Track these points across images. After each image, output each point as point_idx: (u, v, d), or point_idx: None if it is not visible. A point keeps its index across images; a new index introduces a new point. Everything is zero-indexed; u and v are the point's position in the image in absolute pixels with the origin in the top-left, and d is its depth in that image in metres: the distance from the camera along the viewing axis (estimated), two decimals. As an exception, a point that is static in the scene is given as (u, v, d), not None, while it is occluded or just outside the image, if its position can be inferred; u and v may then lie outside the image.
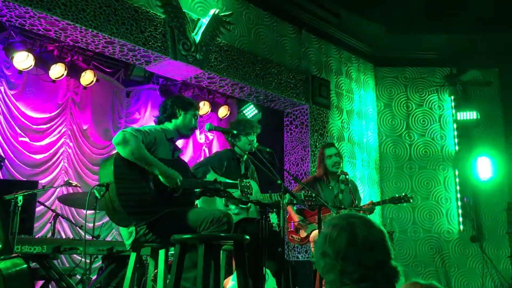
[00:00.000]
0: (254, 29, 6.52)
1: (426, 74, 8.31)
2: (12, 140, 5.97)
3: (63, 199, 5.44)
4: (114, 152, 3.08)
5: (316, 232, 4.56)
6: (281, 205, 3.39)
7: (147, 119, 7.13)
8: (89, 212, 5.27)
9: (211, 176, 3.82)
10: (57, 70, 5.85)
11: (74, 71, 6.09)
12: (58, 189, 6.12)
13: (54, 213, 5.07)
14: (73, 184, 4.88)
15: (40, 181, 5.71)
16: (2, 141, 5.87)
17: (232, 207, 3.99)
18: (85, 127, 6.79)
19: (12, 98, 6.02)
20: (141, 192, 3.00)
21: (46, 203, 5.76)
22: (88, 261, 4.63)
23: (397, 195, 4.75)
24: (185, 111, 3.41)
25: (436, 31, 7.72)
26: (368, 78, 8.25)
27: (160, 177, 3.03)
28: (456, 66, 8.18)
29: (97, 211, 4.72)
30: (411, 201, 4.75)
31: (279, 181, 3.38)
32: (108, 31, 4.83)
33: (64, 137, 6.55)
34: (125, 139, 2.98)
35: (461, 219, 7.81)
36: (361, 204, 4.89)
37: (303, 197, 4.17)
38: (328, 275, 1.59)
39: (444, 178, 7.96)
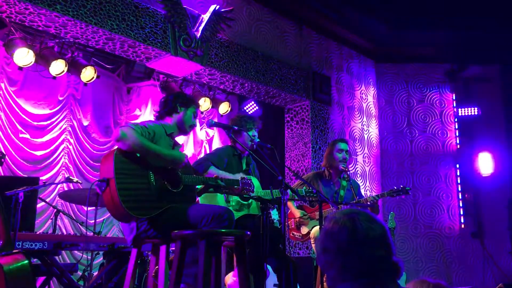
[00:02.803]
0: (254, 25, 6.51)
1: (427, 70, 8.29)
2: (12, 136, 5.96)
3: (64, 196, 5.43)
4: (115, 147, 3.09)
5: (316, 228, 4.55)
6: (282, 201, 3.38)
7: (147, 116, 7.11)
8: (90, 208, 5.28)
9: (213, 171, 3.82)
10: (58, 67, 5.83)
11: (74, 68, 6.07)
12: (59, 186, 6.12)
13: (55, 210, 5.07)
14: (74, 180, 4.88)
15: (41, 178, 5.68)
16: (3, 138, 5.86)
17: (233, 203, 3.99)
18: (85, 123, 6.78)
19: (12, 94, 6.01)
20: (142, 188, 3.01)
21: (47, 200, 5.76)
22: (89, 257, 4.64)
23: (395, 187, 4.71)
24: (186, 108, 3.43)
25: (437, 27, 7.70)
26: (369, 74, 8.24)
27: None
28: (457, 62, 8.16)
29: (98, 207, 4.73)
30: (409, 193, 4.71)
31: (280, 177, 3.37)
32: (109, 27, 4.82)
33: (65, 133, 6.54)
34: (124, 133, 3.01)
35: (462, 214, 7.81)
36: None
37: (305, 193, 4.15)
38: (329, 271, 1.58)
39: (445, 174, 7.96)
